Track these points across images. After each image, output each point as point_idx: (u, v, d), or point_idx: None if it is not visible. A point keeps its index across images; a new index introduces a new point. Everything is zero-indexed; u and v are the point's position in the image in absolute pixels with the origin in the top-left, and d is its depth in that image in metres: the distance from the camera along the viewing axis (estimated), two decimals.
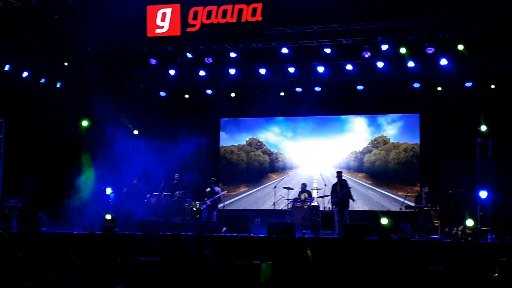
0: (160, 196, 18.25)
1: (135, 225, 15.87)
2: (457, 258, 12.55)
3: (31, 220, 15.76)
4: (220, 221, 17.05)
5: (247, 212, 19.05)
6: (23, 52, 16.75)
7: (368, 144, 19.43)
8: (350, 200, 16.72)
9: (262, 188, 19.99)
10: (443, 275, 11.62)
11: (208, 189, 17.54)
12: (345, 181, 17.00)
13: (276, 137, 20.32)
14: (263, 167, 20.32)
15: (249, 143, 20.49)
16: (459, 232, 14.55)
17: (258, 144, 20.46)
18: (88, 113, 18.02)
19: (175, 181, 18.40)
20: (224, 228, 16.63)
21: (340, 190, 16.61)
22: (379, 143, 19.30)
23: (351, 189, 16.83)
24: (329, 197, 17.27)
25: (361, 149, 19.50)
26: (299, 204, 17.37)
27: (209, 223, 16.42)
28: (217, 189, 17.67)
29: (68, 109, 17.48)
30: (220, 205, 17.78)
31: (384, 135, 19.27)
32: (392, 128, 19.32)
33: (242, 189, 20.24)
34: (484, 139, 15.80)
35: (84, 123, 18.50)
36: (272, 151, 20.34)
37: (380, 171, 19.23)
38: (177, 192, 18.21)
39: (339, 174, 17.03)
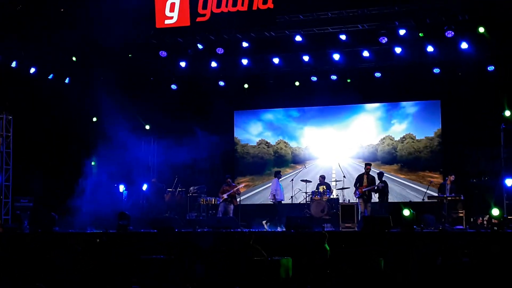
0: (174, 192, 18.04)
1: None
2: (483, 249, 12.07)
3: (43, 220, 15.54)
4: (235, 216, 16.78)
5: (263, 206, 18.76)
6: (30, 48, 16.51)
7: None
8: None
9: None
10: (469, 266, 11.26)
11: (225, 184, 17.27)
12: (376, 177, 16.65)
13: (291, 128, 19.98)
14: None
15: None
16: (485, 222, 14.51)
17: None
18: (97, 109, 17.75)
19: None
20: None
21: (368, 185, 16.25)
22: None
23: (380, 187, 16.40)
24: (349, 189, 17.08)
25: (379, 139, 19.19)
26: (317, 197, 17.08)
27: (226, 219, 16.18)
28: (234, 184, 17.49)
29: (77, 105, 17.26)
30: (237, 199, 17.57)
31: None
32: (411, 116, 18.96)
33: (259, 183, 19.95)
34: (509, 125, 15.66)
35: (94, 119, 18.29)
36: (288, 143, 20.04)
37: (401, 160, 18.92)
38: (191, 188, 17.98)
39: (367, 166, 16.65)
